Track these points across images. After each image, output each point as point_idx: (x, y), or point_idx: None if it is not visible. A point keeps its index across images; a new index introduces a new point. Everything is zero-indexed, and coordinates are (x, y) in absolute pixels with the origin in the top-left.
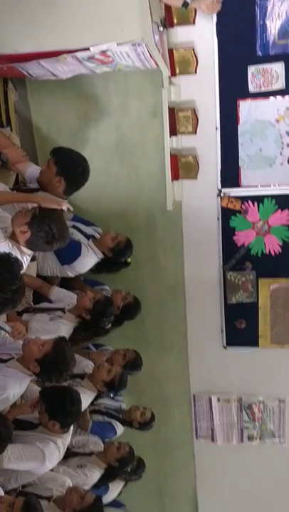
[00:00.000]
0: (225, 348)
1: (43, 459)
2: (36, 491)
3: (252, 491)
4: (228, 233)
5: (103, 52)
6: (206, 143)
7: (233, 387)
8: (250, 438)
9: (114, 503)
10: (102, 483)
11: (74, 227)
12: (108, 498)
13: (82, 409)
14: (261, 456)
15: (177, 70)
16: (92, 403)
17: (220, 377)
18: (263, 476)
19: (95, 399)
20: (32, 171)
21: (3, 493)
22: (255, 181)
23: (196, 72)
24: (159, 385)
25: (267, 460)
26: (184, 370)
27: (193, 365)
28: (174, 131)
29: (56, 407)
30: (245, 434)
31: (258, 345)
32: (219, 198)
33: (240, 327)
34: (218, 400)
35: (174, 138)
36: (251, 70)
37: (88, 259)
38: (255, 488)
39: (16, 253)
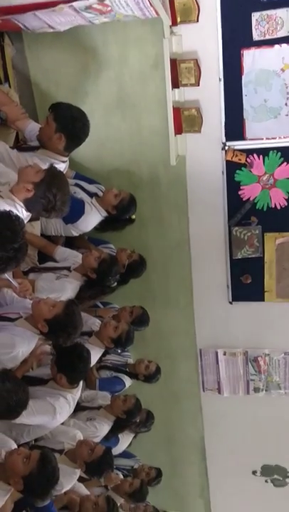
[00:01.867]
0: (231, 303)
1: (54, 413)
2: (48, 445)
3: (258, 440)
4: (233, 188)
5: (101, 1)
6: (209, 95)
7: (239, 341)
8: (256, 390)
9: (125, 454)
10: (112, 435)
11: (76, 185)
12: (118, 449)
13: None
14: (267, 407)
15: (178, 19)
16: (99, 360)
17: (226, 332)
18: (268, 425)
19: (103, 355)
20: (32, 128)
21: (16, 447)
22: (260, 134)
23: (197, 20)
24: (166, 340)
25: (272, 410)
26: (190, 325)
27: (199, 321)
28: (176, 84)
29: (65, 361)
30: (252, 386)
31: (263, 300)
32: (224, 152)
33: (246, 282)
34: (225, 353)
35: (176, 90)
36: (255, 16)
37: (92, 218)
38: (261, 438)
39: (16, 210)
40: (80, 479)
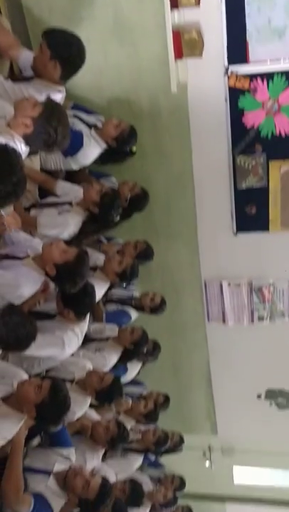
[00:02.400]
0: (235, 234)
1: (63, 346)
2: (59, 375)
3: (262, 366)
4: (236, 115)
5: None
6: (210, 15)
7: (243, 271)
8: (261, 318)
9: (134, 382)
10: (120, 365)
11: (75, 116)
12: (127, 377)
13: (96, 300)
14: (271, 335)
15: None
16: (105, 294)
17: (230, 263)
18: (272, 352)
19: (108, 289)
20: (25, 57)
21: (27, 377)
22: (263, 56)
23: None
24: (171, 273)
25: (276, 338)
26: (194, 258)
27: (204, 253)
28: (175, 3)
29: (70, 297)
30: (256, 315)
31: (268, 230)
32: (226, 77)
33: (251, 212)
34: (229, 284)
35: (175, 11)
36: None
37: (91, 150)
38: (265, 364)
39: (13, 143)
40: (92, 406)
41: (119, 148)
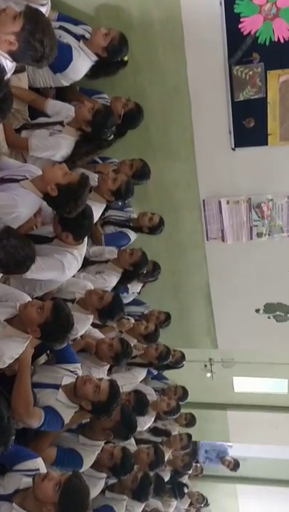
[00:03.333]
0: (233, 149)
1: (63, 269)
2: (60, 295)
3: (260, 282)
4: (232, 21)
5: None
6: None
7: (241, 188)
8: (260, 235)
9: (135, 302)
10: (121, 286)
11: (61, 28)
12: (128, 298)
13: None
14: (269, 251)
15: None
16: (102, 215)
17: (229, 181)
18: (271, 268)
19: (105, 211)
20: None
21: (30, 299)
22: None
23: None
24: (169, 193)
25: (275, 253)
26: (192, 176)
27: (202, 171)
28: None
29: (68, 220)
30: (255, 232)
31: (266, 144)
32: None
33: (249, 126)
34: (228, 202)
35: None
36: None
37: (81, 64)
38: (264, 279)
39: None
40: (95, 325)
41: (110, 58)
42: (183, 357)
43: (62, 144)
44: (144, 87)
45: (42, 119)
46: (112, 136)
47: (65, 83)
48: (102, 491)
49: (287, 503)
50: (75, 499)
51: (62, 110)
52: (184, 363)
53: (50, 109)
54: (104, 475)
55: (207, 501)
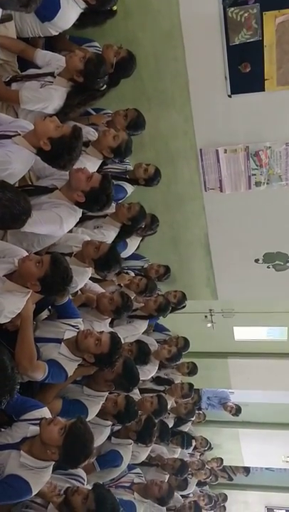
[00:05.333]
0: (230, 96)
1: (61, 222)
2: (58, 250)
3: (259, 232)
4: None
5: None
6: None
7: (239, 136)
8: (258, 184)
9: (134, 256)
10: (119, 240)
11: None
12: (128, 252)
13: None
14: (268, 200)
15: None
16: (98, 170)
17: (226, 129)
18: (269, 217)
19: (101, 166)
20: None
21: (27, 253)
22: None
23: None
24: (165, 143)
25: (273, 202)
26: (188, 125)
27: (198, 119)
28: None
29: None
30: (253, 181)
31: (263, 90)
32: None
33: (245, 71)
34: (225, 151)
35: None
36: None
37: (70, 12)
38: (263, 229)
39: None
40: (95, 280)
41: (100, 6)
42: (184, 297)
43: (54, 96)
44: (135, 33)
45: (32, 71)
46: (105, 86)
47: (54, 32)
48: (108, 438)
49: (285, 444)
50: (79, 443)
51: (52, 60)
52: (185, 302)
53: (40, 60)
54: (110, 423)
55: (210, 445)
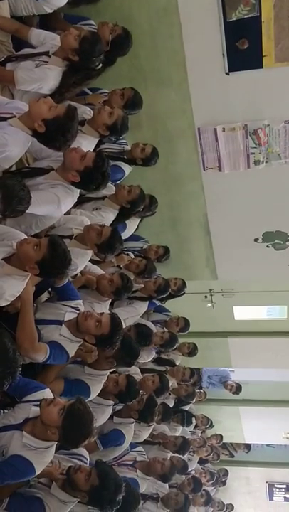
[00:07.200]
0: (227, 74)
1: (58, 202)
2: (58, 232)
3: (259, 211)
4: None
5: None
6: None
7: (237, 115)
8: (257, 163)
9: (133, 237)
10: (118, 223)
11: None
12: (127, 233)
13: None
14: (267, 179)
15: None
16: (94, 149)
17: (224, 107)
18: (269, 196)
19: (97, 145)
20: None
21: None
22: None
23: None
24: (162, 123)
25: (272, 181)
26: (186, 104)
27: (196, 98)
28: None
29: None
30: (252, 160)
31: (262, 67)
32: None
33: (243, 48)
34: (224, 129)
35: None
36: None
37: None
38: (262, 208)
39: None
40: (95, 262)
41: None
42: (184, 284)
43: (50, 76)
44: (131, 10)
45: (27, 50)
46: (101, 65)
47: (48, 10)
48: (110, 417)
49: (285, 421)
50: (78, 423)
51: (47, 39)
52: (185, 290)
53: (35, 39)
54: (112, 402)
55: (211, 423)
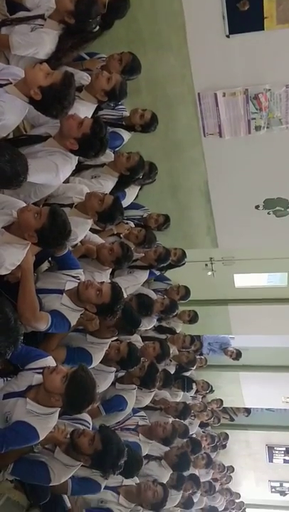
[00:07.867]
0: (228, 36)
1: (57, 170)
2: (58, 201)
3: (259, 178)
4: None
5: None
6: None
7: (238, 79)
8: (258, 128)
9: (133, 206)
10: (117, 191)
11: None
12: (126, 202)
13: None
14: (268, 145)
15: None
16: (93, 116)
17: (224, 71)
18: (269, 162)
19: (96, 111)
20: None
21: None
22: None
23: None
24: (162, 88)
25: (273, 147)
26: (185, 69)
27: (195, 62)
28: None
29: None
30: (253, 125)
31: (263, 29)
32: None
33: (243, 9)
34: (224, 94)
35: None
36: None
37: None
38: (263, 175)
39: None
40: (94, 231)
41: None
42: (184, 254)
43: (46, 40)
44: None
45: (22, 13)
46: (98, 28)
47: None
48: (113, 384)
49: (284, 386)
50: (81, 390)
51: (42, 2)
52: (185, 260)
53: (30, 1)
54: (114, 369)
55: (212, 388)
